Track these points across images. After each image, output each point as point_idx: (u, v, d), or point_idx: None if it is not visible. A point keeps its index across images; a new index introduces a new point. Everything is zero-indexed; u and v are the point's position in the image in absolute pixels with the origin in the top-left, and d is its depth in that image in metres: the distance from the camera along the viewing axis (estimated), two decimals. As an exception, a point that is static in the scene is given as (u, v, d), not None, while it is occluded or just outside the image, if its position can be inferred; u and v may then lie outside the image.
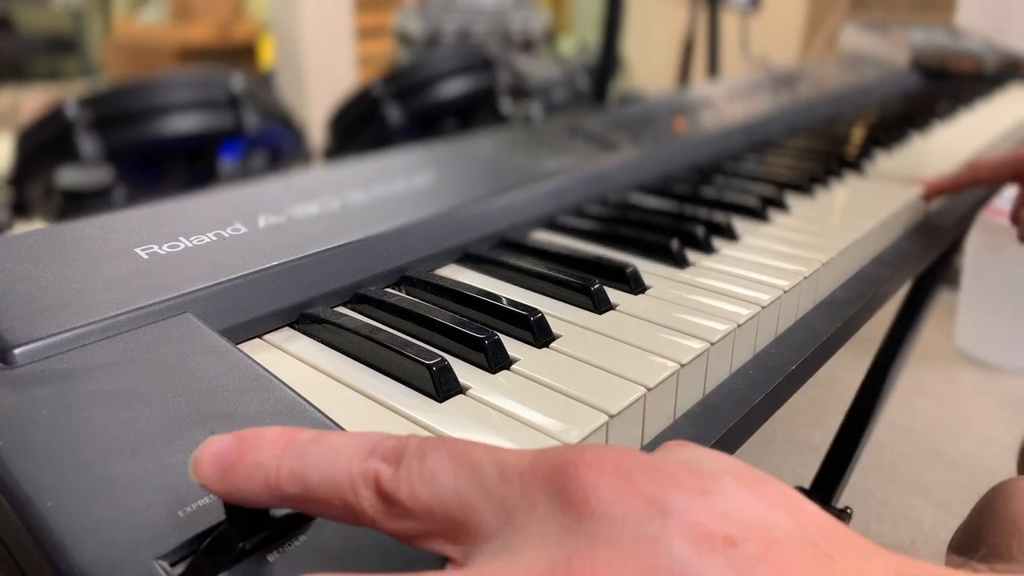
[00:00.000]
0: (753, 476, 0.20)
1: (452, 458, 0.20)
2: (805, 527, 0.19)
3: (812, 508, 0.20)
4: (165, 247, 0.39)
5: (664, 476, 0.19)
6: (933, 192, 0.64)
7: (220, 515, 0.23)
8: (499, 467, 0.20)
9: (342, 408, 0.31)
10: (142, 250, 0.38)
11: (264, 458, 0.21)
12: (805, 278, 0.46)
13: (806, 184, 0.64)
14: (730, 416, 0.36)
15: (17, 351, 0.30)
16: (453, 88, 1.83)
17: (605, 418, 0.31)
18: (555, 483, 0.19)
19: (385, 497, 0.20)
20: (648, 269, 0.46)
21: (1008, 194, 1.20)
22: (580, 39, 4.22)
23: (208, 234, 0.41)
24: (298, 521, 0.23)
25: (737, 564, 0.17)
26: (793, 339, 0.44)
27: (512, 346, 0.36)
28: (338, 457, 0.21)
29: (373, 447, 0.21)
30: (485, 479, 0.20)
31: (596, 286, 0.41)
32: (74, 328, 0.32)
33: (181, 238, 0.40)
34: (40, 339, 0.31)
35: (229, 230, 0.42)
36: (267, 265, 0.39)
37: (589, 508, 0.18)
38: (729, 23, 2.31)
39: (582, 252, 0.47)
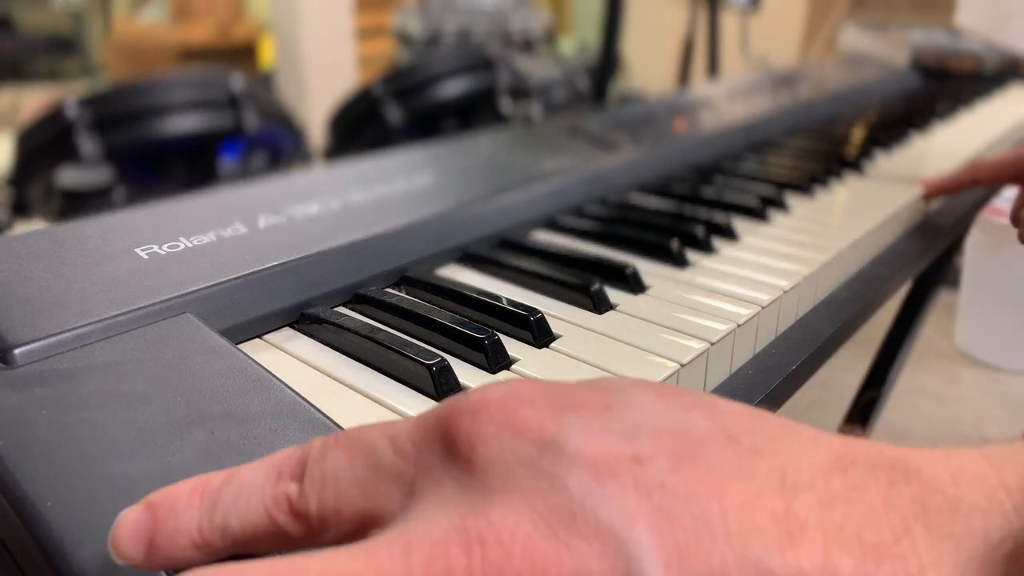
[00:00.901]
0: (667, 387, 0.18)
1: (348, 450, 0.19)
2: (726, 425, 0.17)
3: (736, 408, 0.18)
4: (165, 247, 0.39)
5: (557, 402, 0.18)
6: (933, 192, 0.64)
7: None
8: (392, 442, 0.19)
9: (342, 408, 0.31)
10: (142, 250, 0.38)
11: (183, 522, 0.19)
12: (805, 278, 0.46)
13: (806, 184, 0.64)
14: (730, 416, 0.36)
15: (17, 351, 0.30)
16: (453, 88, 1.83)
17: (605, 418, 0.31)
18: (442, 440, 0.18)
19: (300, 517, 0.19)
20: (648, 269, 0.46)
21: (1008, 194, 1.20)
22: (580, 39, 4.22)
23: (208, 234, 0.41)
24: None
25: (645, 483, 0.16)
26: (793, 339, 0.44)
27: (512, 346, 0.36)
28: (251, 493, 0.19)
29: (280, 468, 0.20)
30: (381, 460, 0.19)
31: (596, 286, 0.41)
32: (74, 328, 0.31)
33: (181, 238, 0.40)
34: (40, 339, 0.31)
35: (229, 230, 0.42)
36: (267, 265, 0.39)
37: (478, 457, 0.17)
38: (729, 23, 2.31)
39: (582, 252, 0.47)
